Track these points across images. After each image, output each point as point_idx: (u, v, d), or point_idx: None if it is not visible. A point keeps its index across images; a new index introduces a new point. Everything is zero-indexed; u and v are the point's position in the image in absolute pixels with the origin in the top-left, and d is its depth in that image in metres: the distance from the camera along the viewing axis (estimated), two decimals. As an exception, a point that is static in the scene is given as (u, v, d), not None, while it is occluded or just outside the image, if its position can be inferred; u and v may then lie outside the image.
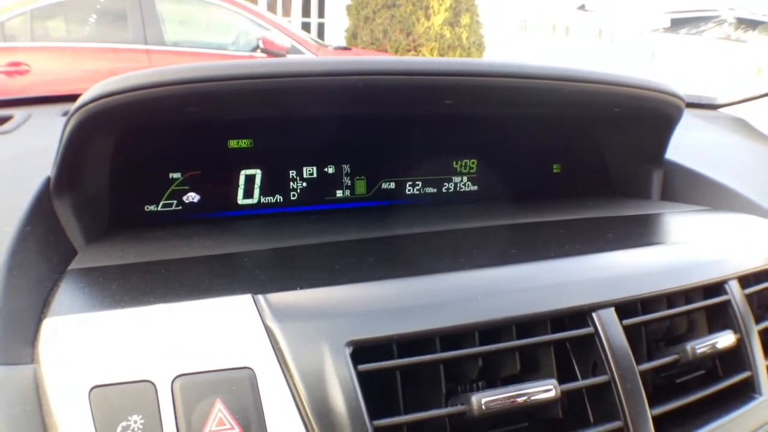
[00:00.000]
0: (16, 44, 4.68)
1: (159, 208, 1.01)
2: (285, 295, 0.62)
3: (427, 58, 0.84)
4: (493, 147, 1.21)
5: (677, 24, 16.23)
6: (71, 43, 4.83)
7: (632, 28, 14.39)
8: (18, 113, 1.14)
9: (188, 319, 0.59)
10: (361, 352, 0.59)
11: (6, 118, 1.11)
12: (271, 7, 9.64)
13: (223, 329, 0.59)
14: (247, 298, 0.61)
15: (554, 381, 0.64)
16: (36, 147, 0.94)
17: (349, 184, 1.12)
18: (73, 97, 1.30)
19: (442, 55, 8.39)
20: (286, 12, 10.09)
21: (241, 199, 1.06)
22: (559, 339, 0.68)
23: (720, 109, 1.75)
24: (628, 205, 1.15)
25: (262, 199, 1.07)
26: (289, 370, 0.57)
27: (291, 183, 1.08)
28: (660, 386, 0.78)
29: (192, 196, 1.03)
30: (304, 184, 1.09)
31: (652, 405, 0.68)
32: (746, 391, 0.79)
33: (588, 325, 0.69)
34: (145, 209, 1.00)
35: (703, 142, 1.39)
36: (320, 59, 0.79)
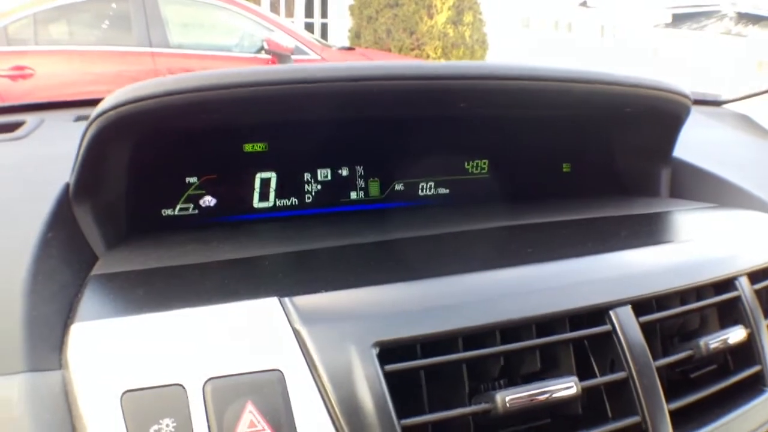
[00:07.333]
0: (19, 48, 4.68)
1: (176, 213, 1.02)
2: (311, 298, 0.63)
3: (442, 63, 0.85)
4: (504, 148, 1.22)
5: (679, 19, 16.21)
6: (75, 47, 4.84)
7: (634, 23, 14.36)
8: (30, 118, 1.14)
9: (216, 322, 0.60)
10: (386, 352, 0.61)
11: (19, 123, 1.11)
12: (274, 8, 9.62)
13: (251, 332, 0.60)
14: (274, 301, 0.62)
15: (575, 378, 0.65)
16: (51, 153, 0.94)
17: (362, 185, 1.12)
18: (85, 103, 1.31)
19: (445, 53, 8.37)
20: (289, 13, 10.08)
21: (256, 203, 1.06)
22: (577, 337, 0.69)
23: (723, 105, 1.76)
24: (637, 203, 1.16)
25: (278, 202, 1.07)
26: (317, 372, 0.58)
27: (306, 185, 1.09)
28: (673, 381, 0.79)
29: (208, 200, 1.03)
30: (319, 187, 1.10)
31: (668, 400, 0.69)
32: (757, 385, 0.80)
33: (606, 323, 0.70)
34: (162, 213, 1.01)
35: (709, 139, 1.39)
36: (339, 65, 0.80)
